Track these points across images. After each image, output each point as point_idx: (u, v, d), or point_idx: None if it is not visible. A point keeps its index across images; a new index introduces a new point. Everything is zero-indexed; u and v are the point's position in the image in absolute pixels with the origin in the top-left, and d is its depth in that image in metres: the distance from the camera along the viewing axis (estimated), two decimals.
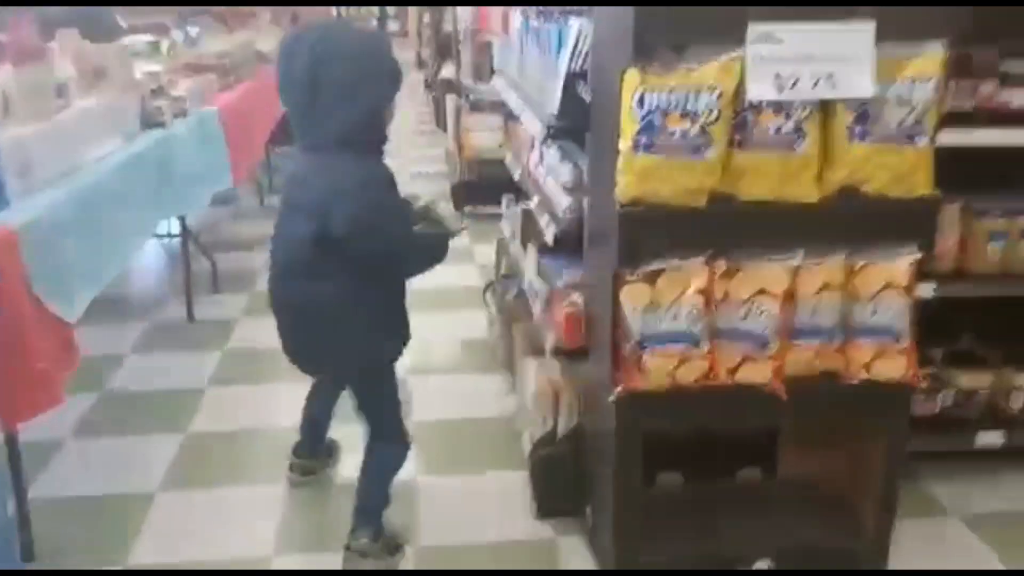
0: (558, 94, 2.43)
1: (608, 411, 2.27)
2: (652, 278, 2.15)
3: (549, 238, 2.62)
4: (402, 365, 2.55)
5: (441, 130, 9.70)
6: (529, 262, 3.19)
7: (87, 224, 2.81)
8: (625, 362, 2.21)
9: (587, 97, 2.37)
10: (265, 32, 8.66)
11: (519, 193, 4.01)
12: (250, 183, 6.65)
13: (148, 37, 5.63)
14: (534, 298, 3.07)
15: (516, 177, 3.55)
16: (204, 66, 5.20)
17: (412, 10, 15.90)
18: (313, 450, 3.00)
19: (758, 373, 2.20)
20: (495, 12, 5.87)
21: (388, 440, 2.54)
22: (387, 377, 2.50)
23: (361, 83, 2.13)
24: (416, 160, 8.67)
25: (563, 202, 2.58)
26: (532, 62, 2.93)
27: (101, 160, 3.22)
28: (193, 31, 6.14)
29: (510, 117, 6.09)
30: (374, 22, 21.69)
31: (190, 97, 4.37)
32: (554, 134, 2.46)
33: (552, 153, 2.75)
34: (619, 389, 2.21)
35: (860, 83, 2.01)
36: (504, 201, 4.10)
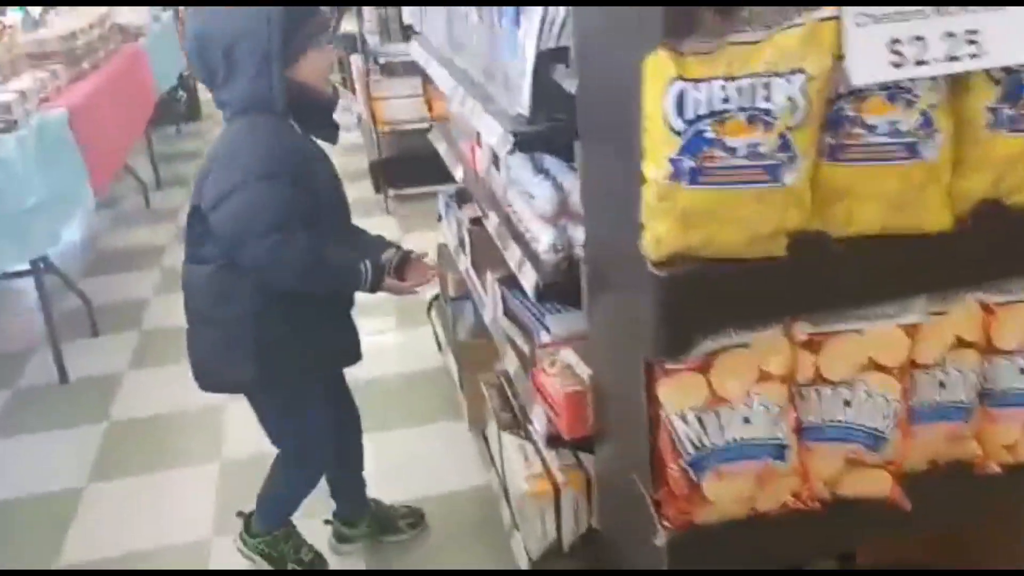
0: (526, 87, 1.63)
1: (652, 554, 1.54)
2: (706, 365, 1.41)
3: (528, 287, 1.85)
4: None
5: (349, 91, 8.72)
6: (491, 296, 2.41)
7: None
8: (674, 486, 1.47)
9: (570, 87, 1.58)
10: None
11: (461, 192, 3.21)
12: (128, 180, 5.65)
13: None
14: (504, 345, 2.31)
15: (457, 177, 2.74)
16: (47, 54, 4.20)
17: None
18: (352, 512, 2.52)
19: (871, 482, 1.50)
20: None
21: (287, 465, 2.28)
22: (285, 395, 2.15)
23: (240, 40, 1.89)
24: None
25: (543, 237, 1.80)
26: (471, 31, 2.11)
27: None
28: (35, 10, 5.06)
29: (431, 81, 5.26)
30: None
31: (26, 100, 3.41)
32: (524, 144, 1.67)
33: (520, 166, 1.95)
34: (667, 525, 1.49)
35: (1021, 44, 1.27)
36: (441, 201, 3.29)
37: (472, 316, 2.95)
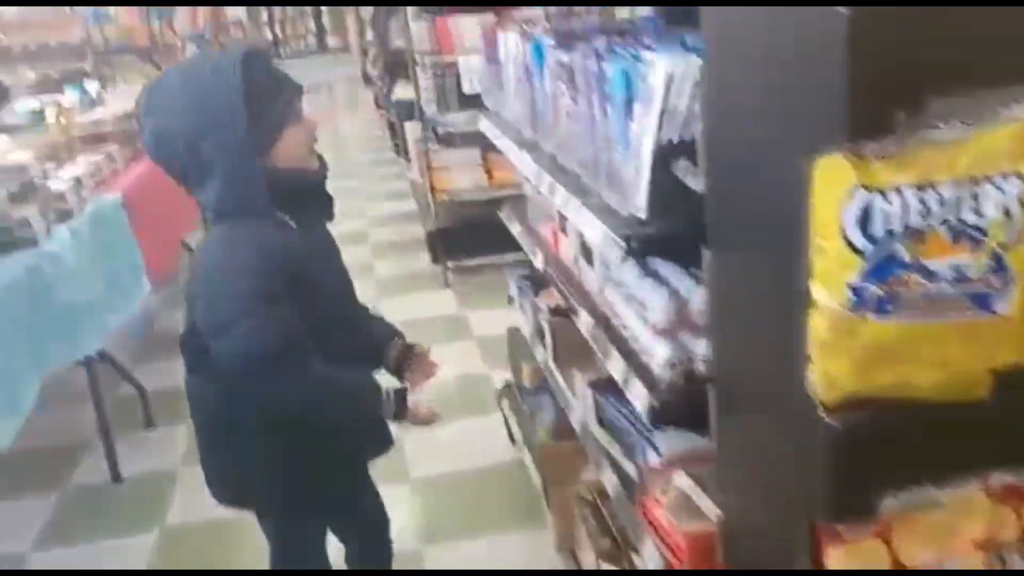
0: (643, 188, 1.40)
1: None
2: (889, 529, 1.14)
3: (640, 406, 1.60)
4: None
5: (403, 158, 8.64)
6: (581, 400, 2.17)
7: None
8: None
9: (695, 185, 1.34)
10: None
11: (535, 275, 2.99)
12: (183, 255, 5.54)
13: (32, 104, 4.52)
14: (599, 457, 2.05)
15: (537, 263, 2.51)
16: (103, 135, 4.11)
17: (352, 24, 14.77)
18: None
19: None
20: (464, 29, 4.86)
21: None
22: (277, 527, 2.04)
23: (205, 135, 1.66)
24: (379, 198, 7.61)
25: (658, 352, 1.55)
26: (560, 114, 1.90)
27: None
28: (93, 86, 5.03)
29: (492, 149, 5.10)
30: (311, 39, 20.54)
31: (81, 187, 3.29)
32: (639, 248, 1.43)
33: (625, 267, 1.72)
34: None
35: None
36: (512, 283, 3.07)
37: (552, 413, 2.70)
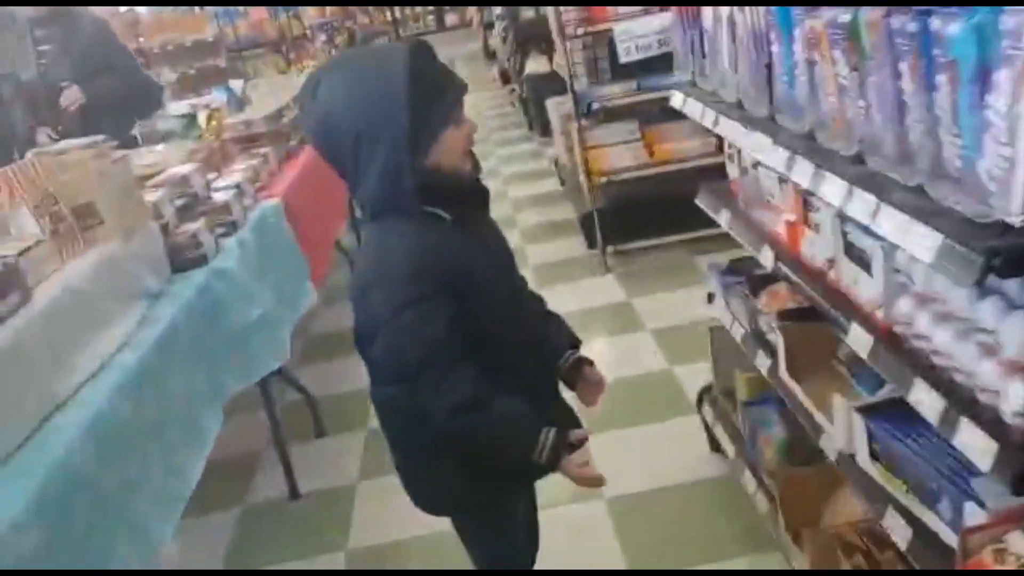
0: (1019, 186, 1.04)
1: None
2: None
3: (976, 457, 1.25)
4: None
5: (536, 135, 8.35)
6: (844, 428, 1.81)
7: (114, 470, 1.65)
8: None
9: None
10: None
11: (741, 269, 2.64)
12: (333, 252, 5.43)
13: (183, 107, 4.46)
14: (870, 495, 1.70)
15: (764, 259, 2.15)
16: (255, 136, 3.99)
17: None
18: None
19: None
20: None
21: None
22: (481, 533, 1.94)
23: (371, 129, 1.59)
24: (518, 179, 7.33)
25: (1014, 395, 1.19)
26: (834, 91, 1.53)
27: (106, 363, 2.00)
28: (238, 85, 4.94)
29: (651, 121, 4.68)
30: (429, 18, 20.49)
31: (243, 195, 3.14)
32: (1006, 266, 1.07)
33: (951, 286, 1.35)
34: None
35: None
36: (715, 276, 2.72)
37: (783, 430, 2.35)
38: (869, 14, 1.33)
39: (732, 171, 2.56)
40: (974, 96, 1.11)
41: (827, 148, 1.61)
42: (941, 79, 1.17)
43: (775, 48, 1.77)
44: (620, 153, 4.72)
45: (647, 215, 4.83)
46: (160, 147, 3.79)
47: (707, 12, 2.23)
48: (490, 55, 12.89)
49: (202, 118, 4.10)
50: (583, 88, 4.78)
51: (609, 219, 4.83)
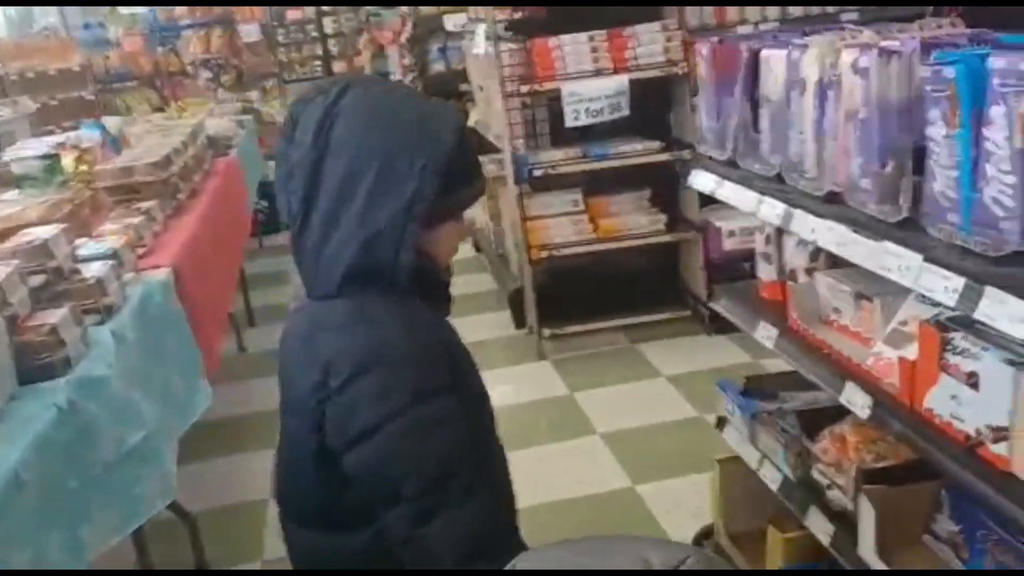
0: None
1: None
2: None
3: None
4: None
5: None
6: None
7: None
8: None
9: None
10: (216, 105, 6.66)
11: (768, 391, 2.14)
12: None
13: (43, 146, 3.64)
14: None
15: (849, 399, 1.63)
16: (138, 186, 3.24)
17: (365, 49, 13.96)
18: None
19: None
20: (569, 52, 3.97)
21: None
22: None
23: (391, 172, 1.31)
24: None
25: None
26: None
27: None
28: (112, 123, 4.16)
29: (593, 192, 4.13)
30: (315, 64, 19.79)
31: (122, 265, 2.41)
32: None
33: None
34: None
35: None
36: (730, 400, 2.20)
37: None
38: None
39: (767, 273, 2.06)
40: None
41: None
42: None
43: (937, 131, 1.28)
44: (562, 226, 4.21)
45: (586, 296, 4.33)
46: (11, 195, 3.01)
47: (772, 78, 1.74)
48: None
49: (68, 161, 3.30)
50: (520, 152, 4.26)
51: (545, 299, 4.29)
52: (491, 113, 4.68)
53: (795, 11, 3.91)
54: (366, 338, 1.32)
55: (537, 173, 4.10)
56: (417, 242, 1.34)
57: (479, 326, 4.76)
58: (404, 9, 7.86)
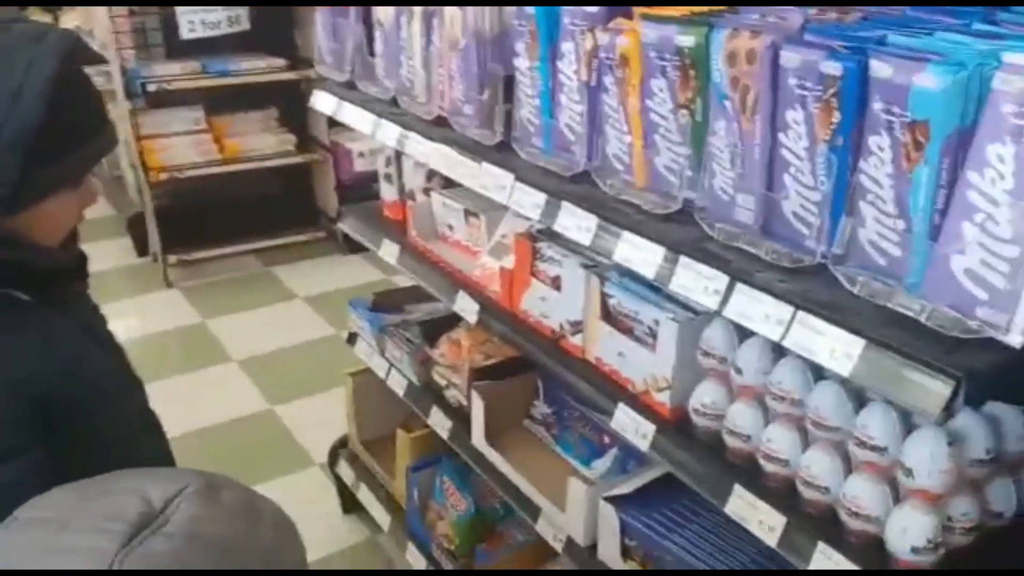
0: None
1: None
2: None
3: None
4: None
5: None
6: (579, 514, 1.54)
7: None
8: None
9: None
10: None
11: (390, 305, 2.27)
12: None
13: None
14: None
15: (458, 305, 1.79)
16: None
17: None
18: None
19: None
20: None
21: None
22: None
23: None
24: None
25: (910, 526, 1.01)
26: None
27: None
28: None
29: (217, 110, 3.90)
30: None
31: None
32: (982, 393, 0.86)
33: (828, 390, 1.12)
34: None
35: None
36: (360, 319, 2.29)
37: (468, 504, 2.01)
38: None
39: (389, 193, 2.15)
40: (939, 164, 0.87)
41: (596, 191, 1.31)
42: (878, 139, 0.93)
43: (522, 63, 1.42)
44: (184, 146, 3.97)
45: (214, 220, 4.16)
46: None
47: (387, 8, 1.80)
48: None
49: None
50: (130, 64, 3.91)
51: (169, 223, 4.05)
52: (93, 19, 4.22)
53: None
54: None
55: (151, 88, 3.81)
56: (9, 225, 1.07)
57: (101, 255, 4.32)
58: None
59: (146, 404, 1.32)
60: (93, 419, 1.11)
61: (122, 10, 3.91)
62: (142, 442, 1.24)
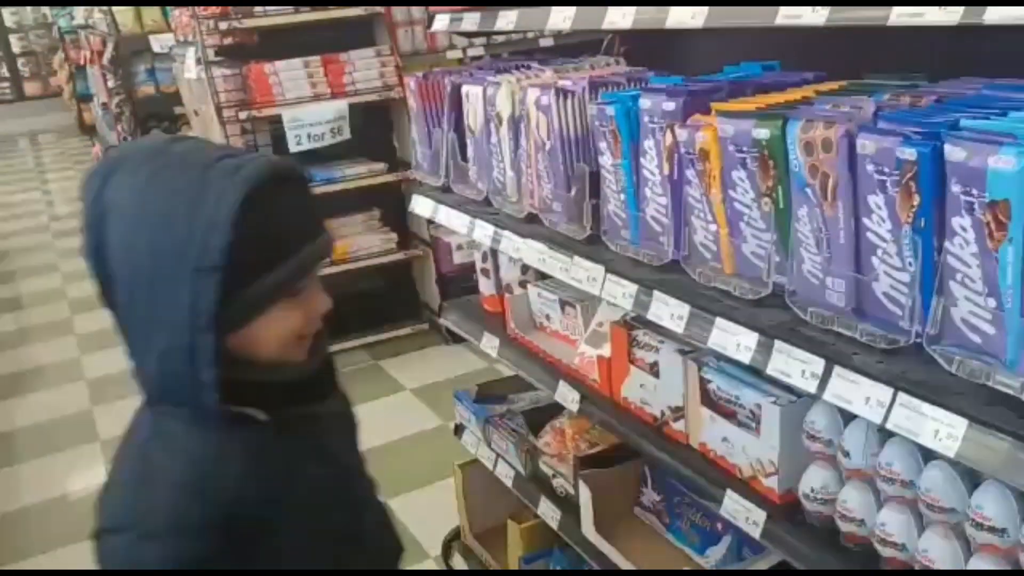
0: None
1: None
2: None
3: None
4: None
5: None
6: None
7: None
8: None
9: None
10: None
11: (497, 396, 2.32)
12: None
13: None
14: None
15: (566, 399, 1.82)
16: None
17: (62, 69, 12.88)
18: None
19: None
20: (286, 78, 3.95)
21: None
22: None
23: (156, 281, 1.05)
24: None
25: None
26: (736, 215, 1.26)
27: None
28: None
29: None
30: (3, 85, 17.94)
31: None
32: None
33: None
34: None
35: None
36: (466, 410, 2.34)
37: None
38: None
39: (487, 287, 2.23)
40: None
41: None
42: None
43: (606, 160, 1.48)
44: None
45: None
46: None
47: (472, 111, 1.90)
48: (87, 130, 11.51)
49: None
50: None
51: None
52: (209, 131, 4.55)
53: (500, 36, 4.20)
54: (135, 492, 1.12)
55: None
56: (229, 350, 1.10)
57: None
58: (103, 29, 7.39)
59: (351, 523, 1.27)
60: (277, 536, 1.12)
61: (235, 129, 4.21)
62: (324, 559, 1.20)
